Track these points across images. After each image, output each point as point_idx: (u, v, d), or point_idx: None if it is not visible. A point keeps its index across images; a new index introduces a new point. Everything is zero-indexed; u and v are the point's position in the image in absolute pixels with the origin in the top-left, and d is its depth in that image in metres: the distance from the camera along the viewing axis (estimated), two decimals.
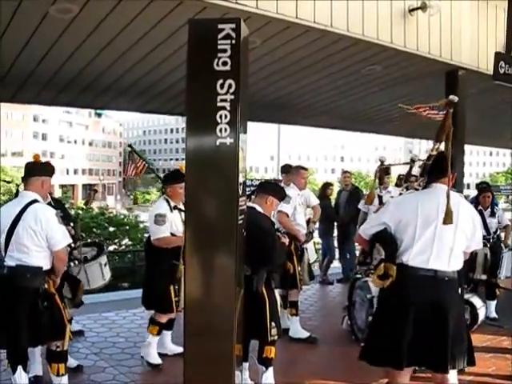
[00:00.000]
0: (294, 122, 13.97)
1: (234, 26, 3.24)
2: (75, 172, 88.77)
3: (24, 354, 4.21)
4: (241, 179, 3.40)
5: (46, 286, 4.12)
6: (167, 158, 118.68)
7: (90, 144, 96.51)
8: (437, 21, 7.75)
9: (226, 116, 3.27)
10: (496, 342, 6.14)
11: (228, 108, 3.26)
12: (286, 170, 7.37)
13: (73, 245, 4.92)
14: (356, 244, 8.28)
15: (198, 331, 3.42)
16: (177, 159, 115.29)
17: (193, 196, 3.42)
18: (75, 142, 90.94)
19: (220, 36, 3.24)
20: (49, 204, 4.74)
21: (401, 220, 3.58)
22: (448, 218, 3.33)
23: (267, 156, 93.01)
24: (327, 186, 10.03)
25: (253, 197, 4.75)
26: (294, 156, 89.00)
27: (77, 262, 5.12)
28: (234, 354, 3.40)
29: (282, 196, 4.84)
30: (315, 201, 7.32)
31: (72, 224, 5.17)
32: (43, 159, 4.68)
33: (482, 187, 7.97)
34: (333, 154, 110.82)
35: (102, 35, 6.24)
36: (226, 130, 3.27)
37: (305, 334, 6.19)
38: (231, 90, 3.25)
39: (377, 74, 8.46)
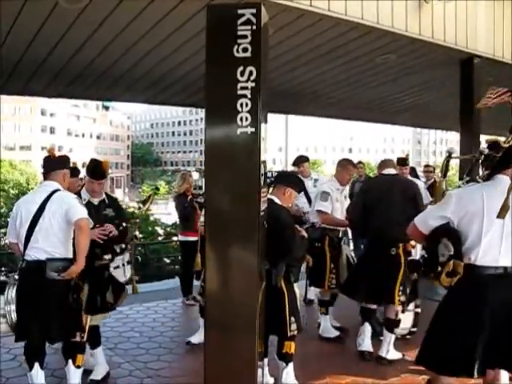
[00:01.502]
0: (306, 112, 13.86)
1: (254, 11, 3.13)
2: (83, 165, 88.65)
3: (43, 350, 4.15)
4: (262, 170, 3.29)
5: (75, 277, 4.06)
6: (175, 151, 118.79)
7: (98, 137, 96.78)
8: (452, 9, 7.61)
9: (246, 104, 3.17)
10: None
11: (249, 96, 3.16)
12: (300, 161, 7.24)
13: (123, 246, 4.90)
14: None
15: (219, 325, 3.35)
16: (184, 152, 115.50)
17: (213, 188, 3.32)
18: (83, 135, 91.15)
19: (240, 22, 3.14)
20: (103, 201, 4.75)
21: (465, 214, 3.34)
22: (503, 212, 3.12)
23: (275, 147, 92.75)
24: None
25: (270, 188, 4.63)
26: (301, 147, 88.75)
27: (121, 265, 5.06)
28: (257, 348, 3.32)
29: (301, 188, 4.73)
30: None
31: (124, 224, 4.88)
32: None
33: None
34: (341, 145, 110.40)
35: (113, 26, 6.14)
36: (247, 118, 3.17)
37: (334, 333, 5.98)
38: (252, 78, 3.15)
39: (391, 62, 8.32)
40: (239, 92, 3.17)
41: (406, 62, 8.38)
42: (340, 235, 5.93)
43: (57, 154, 4.44)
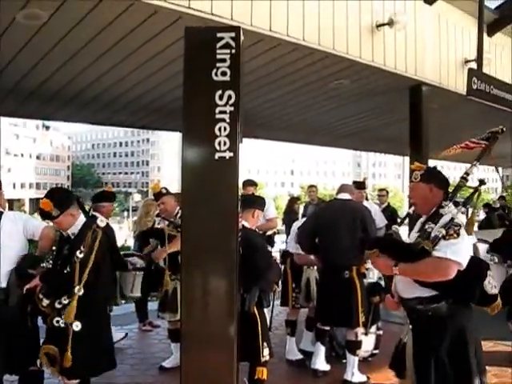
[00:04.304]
0: (255, 135, 13.92)
1: (233, 34, 3.12)
2: (22, 186, 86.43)
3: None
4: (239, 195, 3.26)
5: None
6: (116, 172, 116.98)
7: (38, 157, 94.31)
8: (402, 37, 7.87)
9: (225, 128, 3.13)
10: None
11: (227, 120, 3.12)
12: (246, 184, 7.19)
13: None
14: None
15: (195, 345, 3.26)
16: (126, 173, 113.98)
17: (190, 212, 3.25)
18: (22, 155, 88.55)
19: (219, 45, 3.12)
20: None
21: None
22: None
23: None
24: (294, 200, 9.99)
25: None
26: (243, 170, 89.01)
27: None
28: (235, 367, 3.25)
29: (264, 205, 4.83)
30: (273, 213, 7.14)
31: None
32: None
33: None
34: (283, 167, 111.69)
35: (69, 44, 6.01)
36: (225, 143, 3.13)
37: (296, 356, 5.95)
38: (231, 102, 3.12)
39: (344, 88, 8.50)
40: (218, 116, 3.13)
41: (358, 87, 8.58)
42: None
43: None
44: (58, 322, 3.71)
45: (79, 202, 4.07)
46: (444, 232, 2.93)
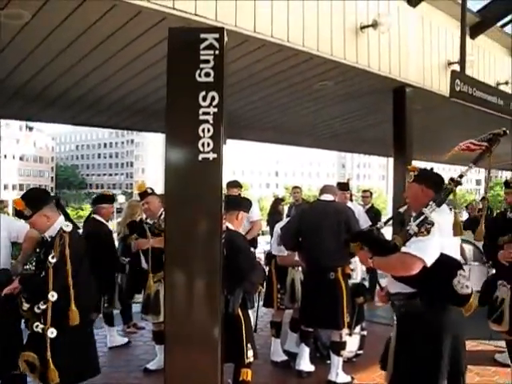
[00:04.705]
0: (240, 136, 13.92)
1: (217, 35, 3.11)
2: (5, 187, 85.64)
3: None
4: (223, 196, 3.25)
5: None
6: (100, 173, 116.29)
7: (21, 159, 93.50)
8: (386, 38, 7.91)
9: (208, 130, 3.12)
10: None
11: (211, 121, 3.11)
12: (230, 186, 7.16)
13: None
14: None
15: (179, 346, 3.25)
16: (110, 174, 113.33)
17: (174, 214, 3.23)
18: (5, 156, 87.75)
19: (202, 46, 3.11)
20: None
21: None
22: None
23: None
24: (279, 201, 9.98)
25: None
26: (228, 171, 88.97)
27: None
28: (219, 369, 3.25)
29: (249, 208, 4.80)
30: (257, 215, 7.13)
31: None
32: None
33: None
34: (267, 168, 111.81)
35: (53, 45, 5.96)
36: (208, 144, 3.12)
37: (281, 358, 5.96)
38: (214, 103, 3.11)
39: (328, 89, 8.53)
40: (201, 117, 3.12)
41: (342, 88, 8.62)
42: None
43: None
44: (37, 327, 3.65)
45: (59, 203, 3.99)
46: (416, 229, 3.00)
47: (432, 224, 2.99)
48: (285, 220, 6.56)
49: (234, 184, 7.22)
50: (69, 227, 3.69)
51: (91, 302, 4.15)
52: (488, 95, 8.32)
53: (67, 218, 3.95)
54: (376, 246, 3.28)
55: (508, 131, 3.29)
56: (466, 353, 3.26)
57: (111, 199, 6.41)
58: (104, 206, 6.10)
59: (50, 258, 3.56)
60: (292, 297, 5.84)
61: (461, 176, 3.15)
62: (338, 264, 5.27)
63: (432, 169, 3.53)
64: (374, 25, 7.52)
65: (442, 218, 3.05)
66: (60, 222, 3.76)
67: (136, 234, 5.63)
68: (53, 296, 3.55)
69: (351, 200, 8.90)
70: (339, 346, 5.33)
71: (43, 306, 3.59)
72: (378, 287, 3.61)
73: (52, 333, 3.58)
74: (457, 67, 8.40)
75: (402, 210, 3.60)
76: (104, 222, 6.14)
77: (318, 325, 5.52)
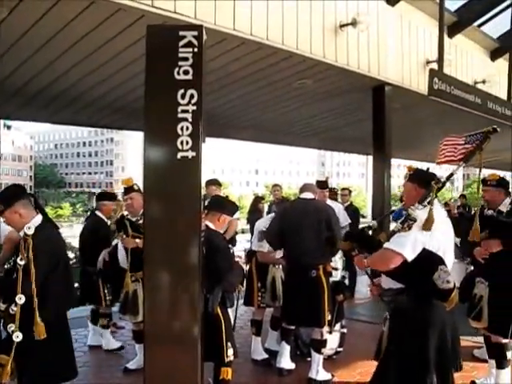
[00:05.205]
0: (219, 134, 13.90)
1: (196, 33, 3.07)
2: None
3: None
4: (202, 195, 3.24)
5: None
6: (80, 172, 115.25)
7: None
8: (365, 37, 7.96)
9: (187, 128, 3.09)
10: None
11: (190, 119, 3.08)
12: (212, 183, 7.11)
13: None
14: None
15: (159, 345, 3.22)
16: (90, 173, 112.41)
17: (153, 212, 3.21)
18: None
19: (181, 44, 3.08)
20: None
21: None
22: None
23: None
24: (259, 199, 9.97)
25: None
26: (208, 169, 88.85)
27: None
28: (199, 367, 3.23)
29: (234, 212, 4.73)
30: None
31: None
32: None
33: None
34: (247, 167, 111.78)
35: (32, 41, 5.90)
36: (187, 142, 3.09)
37: (262, 356, 5.90)
38: (193, 101, 3.08)
39: (307, 87, 8.56)
40: (180, 115, 3.09)
41: (321, 87, 8.65)
42: None
43: None
44: (10, 328, 3.56)
45: (36, 202, 3.89)
46: (400, 226, 3.07)
47: (414, 220, 3.05)
48: (265, 217, 6.54)
49: (213, 182, 7.17)
50: (31, 230, 3.50)
51: (66, 303, 4.01)
52: (466, 94, 8.42)
53: (45, 216, 3.85)
54: (366, 243, 3.39)
55: (498, 129, 3.36)
56: (460, 348, 3.32)
57: (113, 197, 6.60)
58: (105, 204, 6.25)
59: (18, 259, 3.46)
60: (273, 295, 5.84)
61: (451, 175, 3.23)
62: (319, 262, 5.27)
63: (428, 169, 3.60)
64: (353, 23, 7.56)
65: (432, 214, 3.09)
66: (37, 221, 3.65)
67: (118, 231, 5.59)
68: (20, 299, 3.42)
69: (335, 198, 8.92)
70: (320, 344, 5.34)
71: (15, 308, 3.49)
72: (370, 282, 3.68)
73: (17, 337, 3.47)
74: (435, 66, 8.49)
75: (396, 208, 3.73)
76: (104, 218, 6.25)
77: (299, 323, 5.51)
